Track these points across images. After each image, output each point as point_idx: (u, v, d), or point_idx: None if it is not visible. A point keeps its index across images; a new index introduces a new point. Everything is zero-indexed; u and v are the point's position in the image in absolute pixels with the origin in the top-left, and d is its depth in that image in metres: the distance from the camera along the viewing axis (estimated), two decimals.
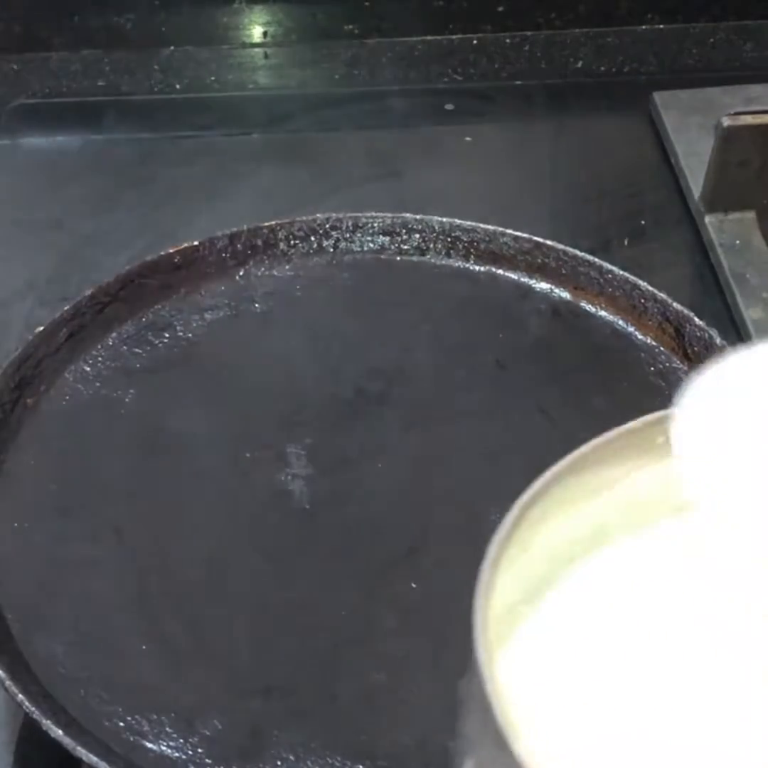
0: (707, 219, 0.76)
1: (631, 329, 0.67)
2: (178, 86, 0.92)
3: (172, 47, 0.94)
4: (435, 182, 0.81)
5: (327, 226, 0.71)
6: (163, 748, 0.50)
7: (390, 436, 0.63)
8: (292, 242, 0.71)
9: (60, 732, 0.49)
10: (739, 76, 0.88)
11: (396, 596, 0.56)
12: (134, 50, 0.93)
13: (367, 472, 0.61)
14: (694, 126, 0.83)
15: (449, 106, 0.89)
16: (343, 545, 0.58)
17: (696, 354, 0.64)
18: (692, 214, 0.78)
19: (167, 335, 0.67)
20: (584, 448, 0.34)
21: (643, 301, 0.67)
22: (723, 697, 0.32)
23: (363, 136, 0.87)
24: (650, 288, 0.67)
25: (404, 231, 0.71)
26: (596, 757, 0.31)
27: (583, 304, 0.69)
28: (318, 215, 0.71)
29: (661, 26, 0.95)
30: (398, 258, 0.71)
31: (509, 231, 0.70)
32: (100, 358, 0.65)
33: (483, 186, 0.82)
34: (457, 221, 0.71)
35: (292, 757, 0.50)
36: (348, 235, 0.71)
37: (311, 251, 0.71)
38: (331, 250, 0.71)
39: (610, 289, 0.68)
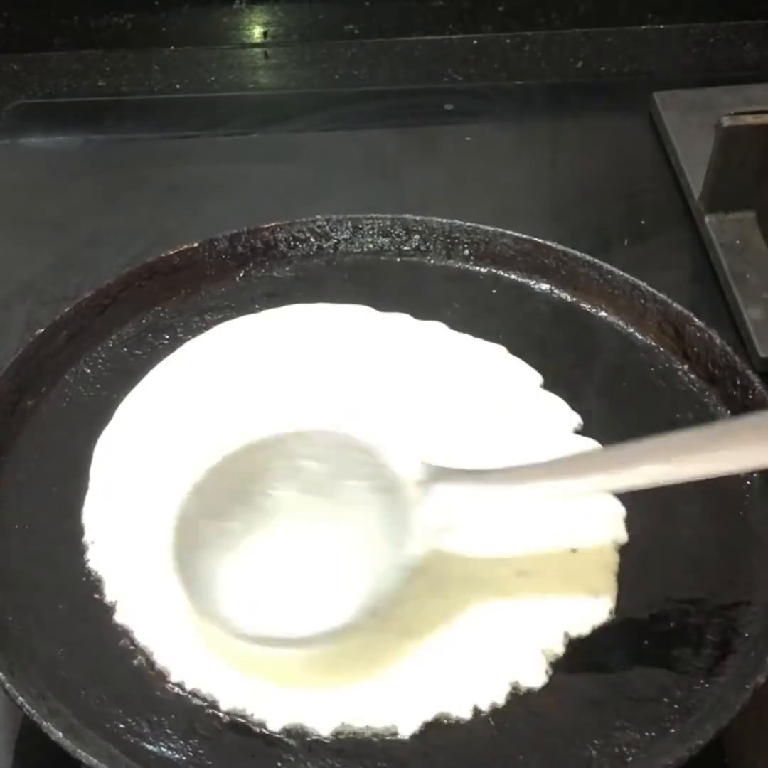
0: (707, 219, 0.76)
1: (631, 329, 0.67)
2: (178, 86, 0.92)
3: (172, 47, 0.94)
4: (435, 182, 0.81)
5: (326, 227, 0.71)
6: (164, 749, 0.50)
7: None
8: (291, 244, 0.71)
9: (60, 734, 0.49)
10: (739, 76, 0.88)
11: None
12: (134, 50, 0.93)
13: None
14: (694, 126, 0.82)
15: (449, 106, 0.89)
16: None
17: (696, 354, 0.64)
18: (692, 214, 0.78)
19: (167, 337, 0.67)
20: None
21: (643, 301, 0.67)
22: None
23: (363, 136, 0.87)
24: (650, 288, 0.67)
25: (404, 232, 0.71)
26: None
27: (583, 304, 0.69)
28: (318, 216, 0.71)
29: (661, 26, 0.95)
30: (398, 259, 0.71)
31: (509, 232, 0.70)
32: (100, 360, 0.66)
33: (483, 186, 0.82)
34: (457, 222, 0.71)
35: (292, 758, 0.50)
36: (348, 237, 0.71)
37: (311, 253, 0.71)
38: (331, 251, 0.71)
39: (610, 290, 0.68)
